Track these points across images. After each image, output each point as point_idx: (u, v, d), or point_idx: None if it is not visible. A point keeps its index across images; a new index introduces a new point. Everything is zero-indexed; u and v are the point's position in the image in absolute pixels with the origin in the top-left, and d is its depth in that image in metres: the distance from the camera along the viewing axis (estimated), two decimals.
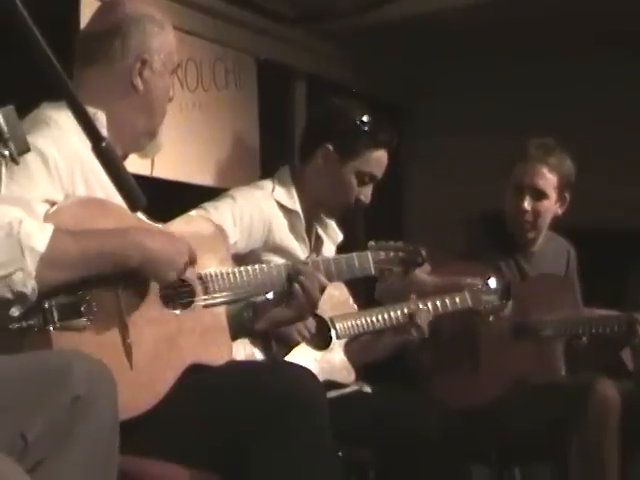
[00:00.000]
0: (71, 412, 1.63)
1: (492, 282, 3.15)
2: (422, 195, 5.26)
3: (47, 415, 1.62)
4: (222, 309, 2.34)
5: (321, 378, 2.37)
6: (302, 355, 2.81)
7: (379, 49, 4.65)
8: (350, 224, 3.31)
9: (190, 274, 2.24)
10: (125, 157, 2.33)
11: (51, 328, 1.96)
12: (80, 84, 2.22)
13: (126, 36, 2.27)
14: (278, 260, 2.81)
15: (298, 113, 4.66)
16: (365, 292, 3.22)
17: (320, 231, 3.09)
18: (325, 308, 2.84)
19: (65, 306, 1.98)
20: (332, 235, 3.13)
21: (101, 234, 2.04)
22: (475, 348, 3.29)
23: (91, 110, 2.03)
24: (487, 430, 3.19)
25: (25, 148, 1.68)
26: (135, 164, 2.45)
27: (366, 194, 3.02)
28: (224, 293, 2.32)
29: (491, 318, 3.19)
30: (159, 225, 2.27)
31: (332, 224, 3.13)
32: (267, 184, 3.01)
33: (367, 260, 2.72)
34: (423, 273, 3.03)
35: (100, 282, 2.02)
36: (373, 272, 2.74)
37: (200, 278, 2.27)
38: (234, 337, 2.43)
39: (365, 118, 2.98)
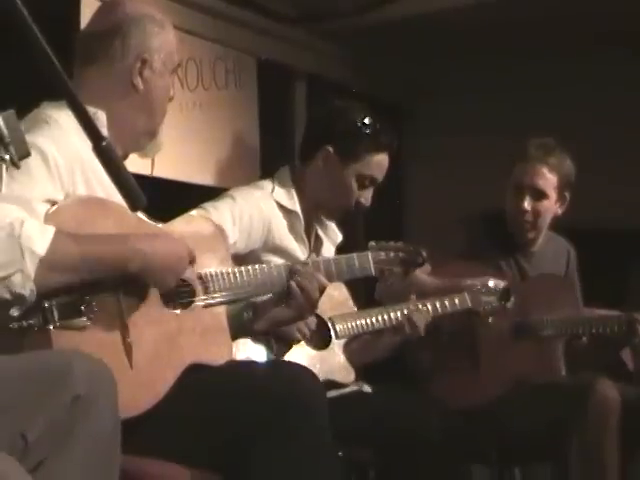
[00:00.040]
0: (71, 412, 1.63)
1: (491, 283, 3.15)
2: (422, 195, 5.26)
3: (48, 415, 1.62)
4: (222, 309, 2.34)
5: (320, 378, 2.36)
6: (298, 353, 2.81)
7: (379, 49, 4.65)
8: (350, 224, 3.31)
9: (190, 274, 2.24)
10: (125, 157, 2.33)
11: (51, 327, 1.96)
12: (80, 84, 2.22)
13: (126, 36, 2.26)
14: (278, 260, 2.81)
15: (298, 113, 4.65)
16: (365, 292, 3.22)
17: (320, 232, 3.09)
18: (324, 308, 2.84)
19: (65, 305, 1.98)
20: (331, 236, 3.12)
21: (102, 239, 2.04)
22: (475, 348, 3.28)
23: (91, 110, 2.03)
24: (487, 430, 3.19)
25: (25, 152, 1.68)
26: (135, 163, 2.45)
27: (366, 197, 3.01)
28: (224, 293, 2.32)
29: (490, 319, 3.20)
30: (159, 225, 2.27)
31: (332, 225, 3.13)
32: (267, 184, 3.01)
33: (367, 260, 2.72)
34: (423, 273, 3.04)
35: (100, 286, 2.02)
36: (373, 272, 2.74)
37: (200, 278, 2.27)
38: (234, 337, 2.43)
39: (367, 120, 2.96)
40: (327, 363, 2.90)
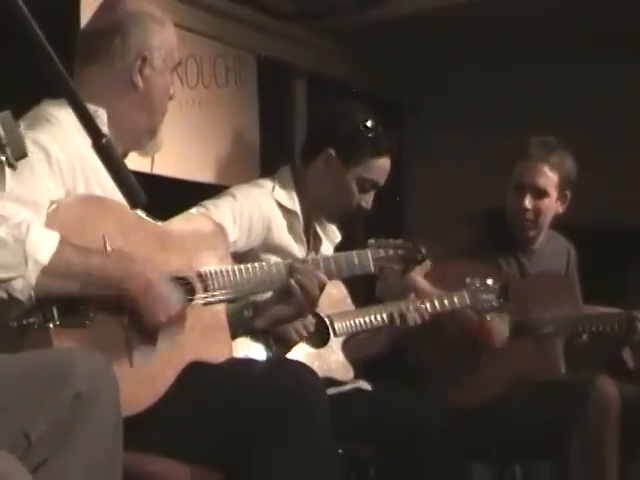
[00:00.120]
0: (73, 409, 1.63)
1: (490, 281, 3.15)
2: (422, 193, 5.26)
3: (49, 413, 1.62)
4: (222, 307, 2.34)
5: (319, 375, 2.36)
6: (297, 351, 2.81)
7: (379, 46, 4.65)
8: (350, 222, 3.31)
9: (190, 272, 2.24)
10: (125, 155, 2.32)
11: (51, 326, 1.96)
12: (81, 82, 2.21)
13: (126, 34, 2.26)
14: (276, 259, 2.80)
15: (298, 110, 4.65)
16: (364, 290, 3.22)
17: (319, 230, 3.08)
18: (323, 306, 2.83)
19: (65, 304, 1.98)
20: (330, 235, 3.12)
21: (106, 255, 2.03)
22: (475, 346, 3.28)
23: (92, 107, 2.03)
24: (488, 428, 3.19)
25: (22, 153, 1.69)
26: (135, 161, 2.44)
27: (367, 200, 3.01)
28: (224, 291, 2.31)
29: (489, 317, 3.20)
30: (159, 223, 2.27)
31: (331, 225, 3.12)
32: (267, 183, 3.00)
33: (367, 258, 2.71)
34: (423, 270, 3.04)
35: (98, 302, 2.02)
36: (373, 270, 2.73)
37: (200, 276, 2.27)
38: (234, 335, 2.43)
39: (369, 124, 2.95)
40: (325, 361, 2.90)
